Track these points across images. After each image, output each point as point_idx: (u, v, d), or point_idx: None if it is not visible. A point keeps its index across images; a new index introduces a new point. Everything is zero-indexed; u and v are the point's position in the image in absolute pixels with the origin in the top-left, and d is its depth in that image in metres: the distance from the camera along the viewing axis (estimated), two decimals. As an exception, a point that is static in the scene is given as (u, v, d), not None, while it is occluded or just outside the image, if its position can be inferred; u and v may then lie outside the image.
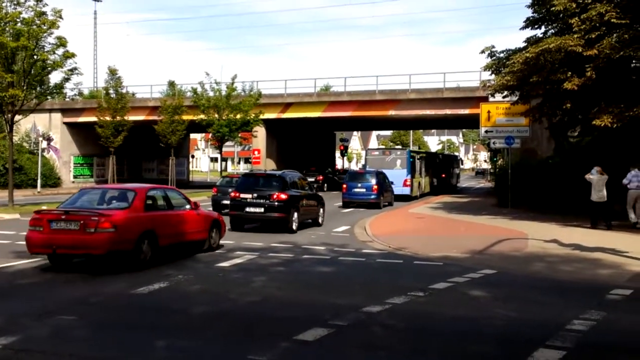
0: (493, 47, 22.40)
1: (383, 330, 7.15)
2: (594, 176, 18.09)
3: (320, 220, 19.30)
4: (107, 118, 27.09)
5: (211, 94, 36.71)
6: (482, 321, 7.61)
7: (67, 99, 38.10)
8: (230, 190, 20.11)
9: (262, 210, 16.92)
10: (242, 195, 17.19)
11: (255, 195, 17.08)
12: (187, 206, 13.03)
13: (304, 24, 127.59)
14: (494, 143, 27.64)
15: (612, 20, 16.64)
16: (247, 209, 17.04)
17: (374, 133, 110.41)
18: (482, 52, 22.47)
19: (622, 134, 19.45)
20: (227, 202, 16.68)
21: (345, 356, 6.29)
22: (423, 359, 6.27)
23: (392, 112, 38.98)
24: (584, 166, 20.02)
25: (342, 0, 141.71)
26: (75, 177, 46.55)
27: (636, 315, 8.04)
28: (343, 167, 55.12)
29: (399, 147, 71.49)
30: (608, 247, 13.55)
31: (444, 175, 42.77)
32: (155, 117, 35.40)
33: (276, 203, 16.86)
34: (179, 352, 6.31)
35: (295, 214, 17.26)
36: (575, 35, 17.38)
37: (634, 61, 18.71)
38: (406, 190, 32.00)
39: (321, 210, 19.48)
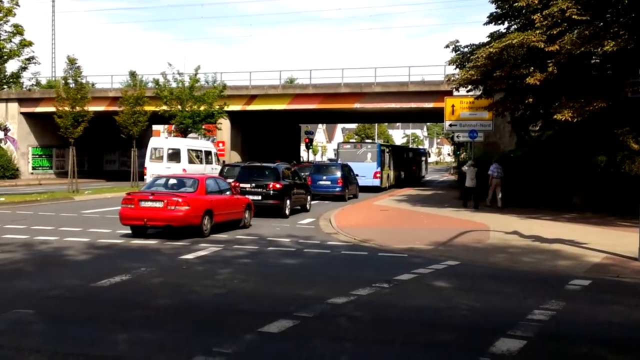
0: (457, 41, 22.61)
1: (348, 321, 7.15)
2: (469, 167, 22.33)
3: (307, 207, 21.60)
4: (66, 108, 26.30)
5: (174, 85, 36.11)
6: (446, 311, 7.69)
7: (24, 89, 37.10)
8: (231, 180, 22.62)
9: (259, 198, 18.86)
10: (242, 185, 19.09)
11: (253, 184, 19.19)
12: (228, 192, 15.83)
13: (268, 16, 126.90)
14: (457, 137, 27.88)
15: (573, 16, 16.90)
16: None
17: (339, 126, 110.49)
18: (447, 46, 22.66)
19: (582, 128, 19.85)
20: None
21: (311, 347, 6.27)
22: (389, 348, 6.28)
23: (357, 105, 39.03)
24: (546, 160, 20.34)
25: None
26: (34, 168, 45.35)
27: (594, 306, 8.22)
28: (308, 159, 55.05)
29: (370, 140, 72.03)
30: (567, 239, 13.83)
31: (414, 168, 44.12)
32: (116, 108, 34.61)
33: (272, 191, 19.03)
34: (141, 345, 6.20)
35: (288, 201, 19.45)
36: (538, 31, 17.61)
37: (593, 57, 19.07)
38: (376, 182, 33.48)
39: (309, 197, 21.92)
